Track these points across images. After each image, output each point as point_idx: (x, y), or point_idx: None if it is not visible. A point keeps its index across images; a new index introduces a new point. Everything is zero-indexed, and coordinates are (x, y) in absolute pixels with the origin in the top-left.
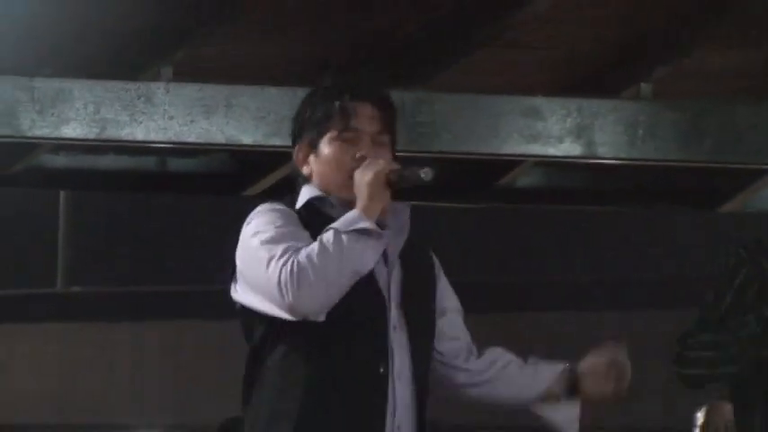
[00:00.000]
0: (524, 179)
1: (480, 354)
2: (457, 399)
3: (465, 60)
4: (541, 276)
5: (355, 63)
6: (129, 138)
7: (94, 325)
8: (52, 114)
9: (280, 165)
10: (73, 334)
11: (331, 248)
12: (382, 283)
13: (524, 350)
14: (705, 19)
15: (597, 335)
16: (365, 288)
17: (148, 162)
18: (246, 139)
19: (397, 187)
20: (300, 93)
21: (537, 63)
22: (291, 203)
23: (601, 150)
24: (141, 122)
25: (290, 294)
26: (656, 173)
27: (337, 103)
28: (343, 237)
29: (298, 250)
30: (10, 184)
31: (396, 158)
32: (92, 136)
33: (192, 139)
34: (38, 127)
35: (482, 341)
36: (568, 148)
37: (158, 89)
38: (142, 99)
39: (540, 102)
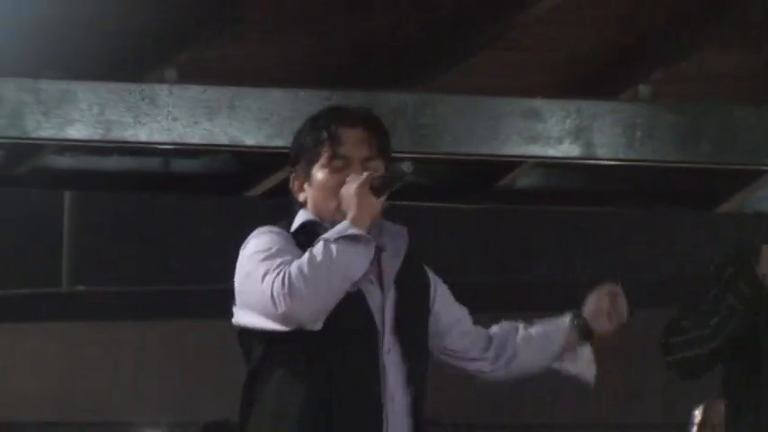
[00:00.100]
0: (524, 180)
1: (490, 337)
2: (487, 382)
3: (465, 62)
4: (541, 276)
5: (357, 65)
6: (134, 139)
7: (99, 324)
8: (57, 116)
9: (282, 166)
10: (77, 333)
11: (320, 257)
12: (376, 306)
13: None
14: (703, 22)
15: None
16: (358, 312)
17: (152, 163)
18: (249, 140)
19: (385, 191)
20: (302, 94)
21: (537, 65)
22: (287, 227)
23: (599, 151)
24: (145, 124)
25: (282, 304)
26: (655, 174)
27: (325, 132)
28: (332, 245)
29: (290, 263)
30: (15, 184)
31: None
32: (96, 137)
33: (195, 141)
34: (43, 128)
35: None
36: (567, 150)
37: (162, 91)
38: (146, 101)
39: (539, 103)
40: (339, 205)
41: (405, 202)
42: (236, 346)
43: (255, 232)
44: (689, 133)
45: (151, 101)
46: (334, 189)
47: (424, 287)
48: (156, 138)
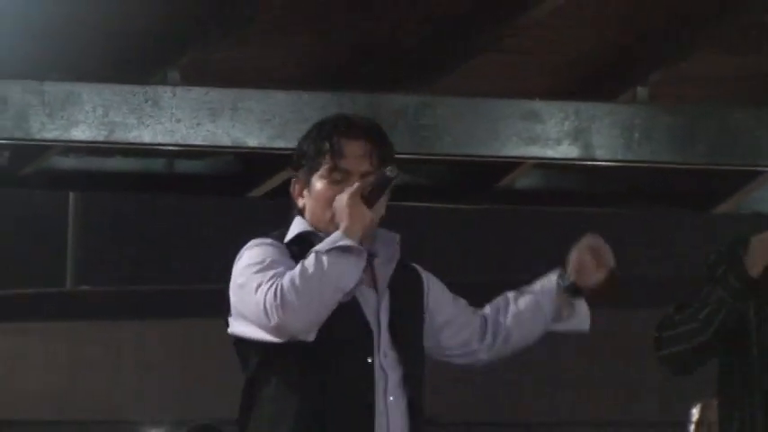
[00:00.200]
0: (523, 181)
1: (486, 321)
2: (493, 363)
3: (466, 64)
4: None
5: (358, 67)
6: (137, 140)
7: (102, 323)
8: (62, 117)
9: (284, 167)
10: (81, 332)
11: (312, 268)
12: (371, 311)
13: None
14: (700, 25)
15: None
16: (353, 319)
17: (156, 164)
18: (251, 141)
19: (376, 199)
20: (304, 96)
21: (536, 67)
22: (281, 237)
23: (598, 153)
24: (149, 125)
25: (275, 316)
26: (652, 175)
27: (327, 144)
28: (323, 256)
29: (283, 275)
30: (20, 185)
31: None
32: (100, 138)
33: (198, 142)
34: (48, 130)
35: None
36: (566, 151)
37: (165, 93)
38: (150, 102)
39: (538, 105)
40: (334, 216)
41: (405, 203)
42: None
43: (249, 244)
44: (686, 135)
45: (155, 102)
46: (331, 200)
47: (418, 289)
48: (160, 139)
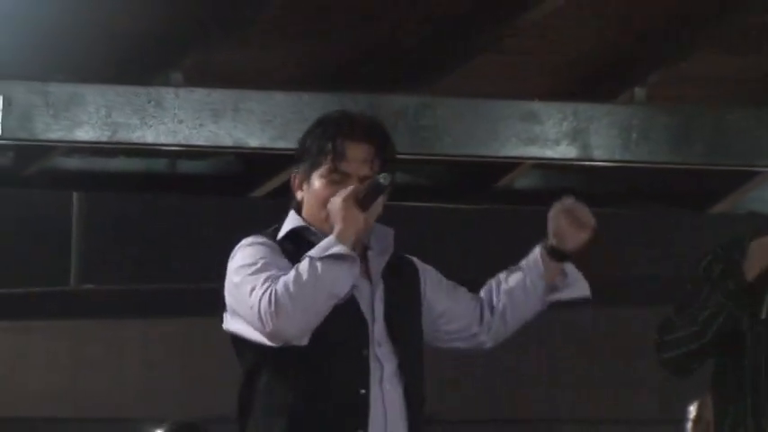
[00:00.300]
0: (522, 181)
1: (483, 305)
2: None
3: (465, 66)
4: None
5: (358, 68)
6: (140, 141)
7: (106, 321)
8: (66, 118)
9: (285, 167)
10: (84, 330)
11: (306, 275)
12: (365, 302)
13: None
14: (698, 26)
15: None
16: (346, 312)
17: (158, 164)
18: (253, 142)
19: (369, 203)
20: (305, 97)
21: (535, 69)
22: (274, 233)
23: (596, 153)
24: (152, 126)
25: (270, 323)
26: (650, 175)
27: (330, 145)
28: (318, 263)
29: (276, 279)
30: (25, 185)
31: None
32: (104, 139)
33: (200, 142)
34: (52, 130)
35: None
36: (565, 151)
37: (168, 94)
38: (152, 103)
39: (537, 106)
40: (329, 216)
41: (405, 203)
42: None
43: (242, 243)
44: (683, 135)
45: (157, 103)
46: (327, 200)
47: (413, 279)
48: (163, 139)
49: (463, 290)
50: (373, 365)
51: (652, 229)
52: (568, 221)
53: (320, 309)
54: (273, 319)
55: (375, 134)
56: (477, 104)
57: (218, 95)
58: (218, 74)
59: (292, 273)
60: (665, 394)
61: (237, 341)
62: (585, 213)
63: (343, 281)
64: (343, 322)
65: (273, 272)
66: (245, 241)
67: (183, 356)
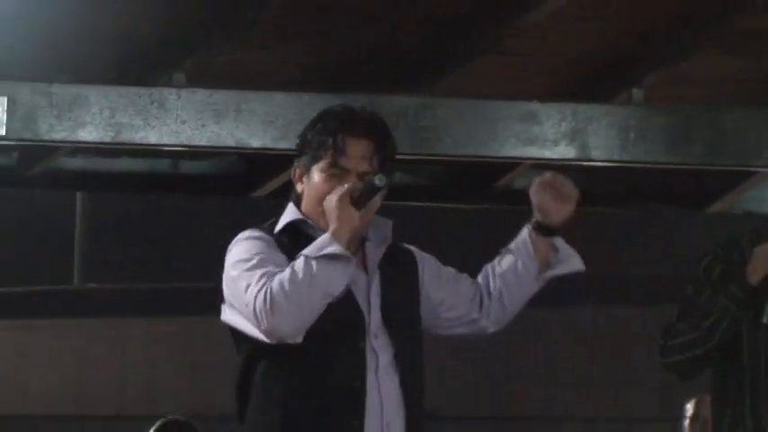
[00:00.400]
0: (522, 181)
1: (481, 291)
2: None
3: (465, 67)
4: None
5: (359, 69)
6: (143, 141)
7: (109, 320)
8: (69, 119)
9: (287, 167)
10: (88, 329)
11: (301, 274)
12: (362, 293)
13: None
14: (697, 28)
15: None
16: (343, 304)
17: (161, 165)
18: (255, 142)
19: (364, 203)
20: (306, 98)
21: (535, 69)
22: (272, 226)
23: (594, 153)
24: (154, 127)
25: (264, 321)
26: (648, 175)
27: (331, 140)
28: (313, 263)
29: (272, 276)
30: (29, 185)
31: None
32: (107, 139)
33: (203, 143)
34: (56, 131)
35: (481, 337)
36: (563, 152)
37: (171, 95)
38: (155, 104)
39: (536, 107)
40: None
41: (405, 203)
42: None
43: (238, 237)
44: (681, 135)
45: (160, 104)
46: (326, 194)
47: (411, 269)
48: (165, 140)
49: (463, 276)
50: (369, 356)
51: (650, 228)
52: (551, 195)
53: (315, 307)
54: (268, 317)
55: (375, 131)
56: (476, 105)
57: (221, 96)
58: (221, 75)
59: (287, 271)
60: (663, 393)
61: (235, 332)
62: (567, 185)
63: (337, 280)
64: (339, 315)
65: (269, 268)
66: (241, 235)
67: (185, 355)
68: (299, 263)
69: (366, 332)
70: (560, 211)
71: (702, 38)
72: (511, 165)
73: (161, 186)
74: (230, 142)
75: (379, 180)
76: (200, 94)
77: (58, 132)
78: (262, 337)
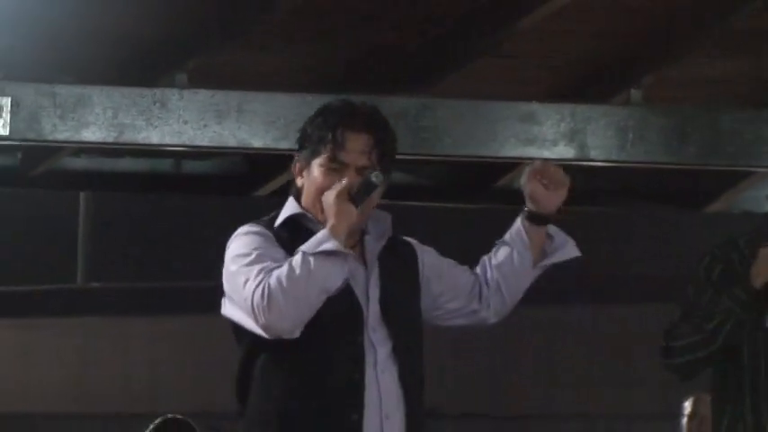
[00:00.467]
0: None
1: (477, 279)
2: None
3: (465, 68)
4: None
5: (360, 70)
6: (146, 141)
7: (112, 319)
8: (73, 119)
9: (288, 167)
10: (91, 327)
11: (298, 270)
12: (360, 287)
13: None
14: (692, 31)
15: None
16: (341, 298)
17: (164, 164)
18: (257, 142)
19: (361, 198)
20: (308, 99)
21: (534, 71)
22: (271, 221)
23: (593, 153)
24: (157, 127)
25: (262, 317)
26: (646, 175)
27: (330, 134)
28: (310, 259)
29: (270, 272)
30: (32, 185)
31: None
32: (110, 140)
33: (205, 143)
34: (59, 131)
35: (481, 335)
36: (562, 152)
37: (173, 95)
38: (158, 105)
39: (535, 108)
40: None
41: (405, 203)
42: None
43: (238, 232)
44: (678, 136)
45: (162, 105)
46: (325, 188)
47: (411, 262)
48: (168, 140)
49: (463, 268)
50: (367, 350)
51: (650, 228)
52: (542, 184)
53: (312, 303)
54: (266, 314)
55: (375, 125)
56: (476, 106)
57: (222, 97)
58: (222, 75)
59: (285, 267)
60: (662, 391)
61: (235, 325)
62: (558, 173)
63: (334, 276)
64: (337, 309)
65: (267, 264)
66: (241, 229)
67: (188, 353)
68: (297, 259)
69: (364, 326)
70: (552, 199)
71: (701, 38)
72: (511, 165)
73: (163, 186)
74: (232, 142)
75: (375, 177)
76: (203, 95)
77: (62, 133)
78: (260, 331)
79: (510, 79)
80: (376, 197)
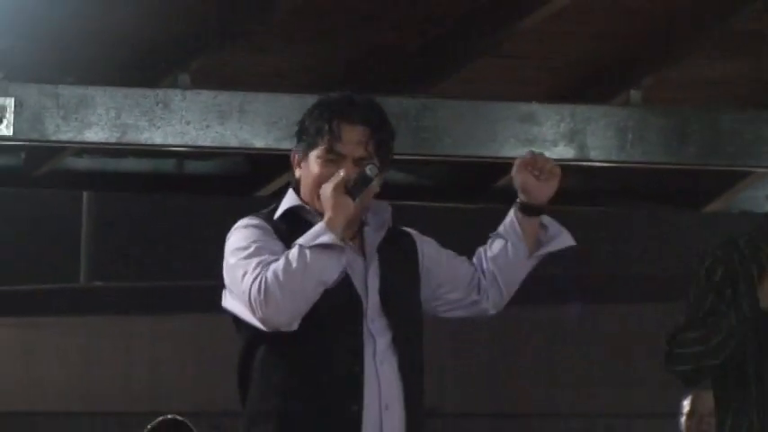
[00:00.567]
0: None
1: (475, 270)
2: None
3: (465, 69)
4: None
5: (361, 71)
6: (149, 142)
7: (115, 318)
8: (76, 120)
9: (290, 167)
10: (94, 326)
11: (295, 264)
12: (359, 278)
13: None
14: (692, 32)
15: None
16: (340, 289)
17: (166, 165)
18: (259, 143)
19: (357, 191)
20: (310, 99)
21: (534, 71)
22: (271, 213)
23: (592, 154)
24: (159, 127)
25: (259, 310)
26: (645, 175)
27: (327, 126)
28: (307, 252)
29: (267, 265)
30: (36, 185)
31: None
32: (113, 140)
33: (207, 143)
34: (62, 131)
35: (481, 334)
36: (562, 152)
37: (176, 96)
38: (160, 105)
39: (535, 108)
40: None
41: (405, 203)
42: None
43: (237, 224)
44: (677, 136)
45: (165, 105)
46: (323, 180)
47: (411, 253)
48: (170, 140)
49: (462, 259)
50: (366, 341)
51: (649, 228)
52: (533, 175)
53: (309, 296)
54: (263, 307)
55: (371, 116)
56: (476, 106)
57: (225, 97)
58: (224, 76)
59: (282, 260)
60: (661, 390)
61: (236, 318)
62: (548, 163)
63: (331, 269)
64: (336, 300)
65: (265, 257)
66: (240, 222)
67: (190, 352)
68: (294, 252)
69: (363, 316)
70: (544, 190)
71: (700, 39)
72: (510, 165)
73: (166, 186)
74: (234, 143)
75: (370, 170)
76: (205, 96)
77: (65, 133)
78: (258, 324)
79: (510, 79)
80: (374, 189)
